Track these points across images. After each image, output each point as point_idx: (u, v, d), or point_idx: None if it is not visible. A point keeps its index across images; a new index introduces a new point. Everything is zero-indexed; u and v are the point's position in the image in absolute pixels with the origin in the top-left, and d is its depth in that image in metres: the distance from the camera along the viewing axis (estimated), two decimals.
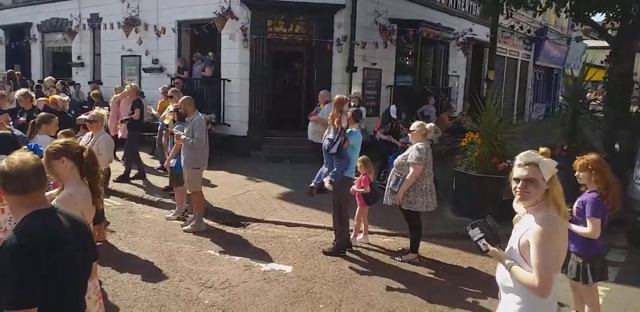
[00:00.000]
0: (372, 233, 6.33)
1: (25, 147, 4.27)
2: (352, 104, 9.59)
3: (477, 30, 15.09)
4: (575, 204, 3.91)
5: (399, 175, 5.47)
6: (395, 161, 5.63)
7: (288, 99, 12.67)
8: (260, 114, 11.30)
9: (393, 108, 9.07)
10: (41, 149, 4.23)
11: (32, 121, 5.16)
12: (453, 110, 13.75)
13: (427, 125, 5.68)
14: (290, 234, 6.36)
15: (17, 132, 4.89)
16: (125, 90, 9.42)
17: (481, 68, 17.10)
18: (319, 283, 4.90)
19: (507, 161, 6.56)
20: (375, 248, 5.95)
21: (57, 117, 5.51)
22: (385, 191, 5.63)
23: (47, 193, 3.88)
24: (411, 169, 5.35)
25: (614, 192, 3.84)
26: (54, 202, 2.76)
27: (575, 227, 3.79)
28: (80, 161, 2.86)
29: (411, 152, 5.44)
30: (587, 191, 3.92)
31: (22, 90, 7.68)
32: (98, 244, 5.62)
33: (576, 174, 3.99)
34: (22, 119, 7.52)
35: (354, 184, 5.79)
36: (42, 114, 5.47)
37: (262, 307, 4.40)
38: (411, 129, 5.66)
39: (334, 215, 5.74)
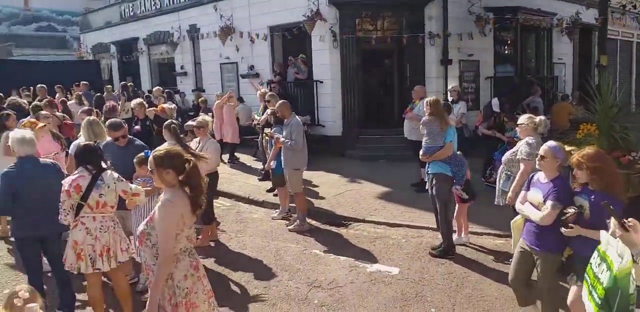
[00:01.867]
0: (482, 234, 6.06)
1: (143, 153, 4.64)
2: (450, 98, 9.31)
3: (583, 12, 13.90)
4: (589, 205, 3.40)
5: (508, 173, 5.17)
6: (504, 158, 5.33)
7: (381, 97, 12.56)
8: (353, 113, 11.31)
9: (495, 101, 8.62)
10: None
11: (157, 129, 5.54)
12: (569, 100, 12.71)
13: (537, 119, 5.31)
14: (393, 234, 6.27)
15: (138, 141, 5.27)
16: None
17: (590, 53, 15.73)
18: (428, 286, 4.77)
19: (631, 154, 5.94)
20: (486, 250, 5.67)
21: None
22: (496, 191, 5.34)
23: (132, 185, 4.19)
24: (521, 166, 5.02)
25: (617, 191, 3.37)
26: (156, 207, 2.94)
27: (588, 231, 3.30)
28: (182, 171, 2.96)
29: (521, 148, 5.10)
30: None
31: (137, 100, 8.31)
32: (211, 243, 6.02)
33: (573, 172, 3.54)
34: (137, 127, 8.14)
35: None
36: (167, 122, 5.84)
37: (372, 309, 4.37)
38: (519, 122, 5.32)
39: (440, 215, 5.57)
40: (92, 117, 5.92)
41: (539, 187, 3.72)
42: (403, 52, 11.42)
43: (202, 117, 6.62)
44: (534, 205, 3.70)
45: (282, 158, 6.62)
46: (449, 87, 10.15)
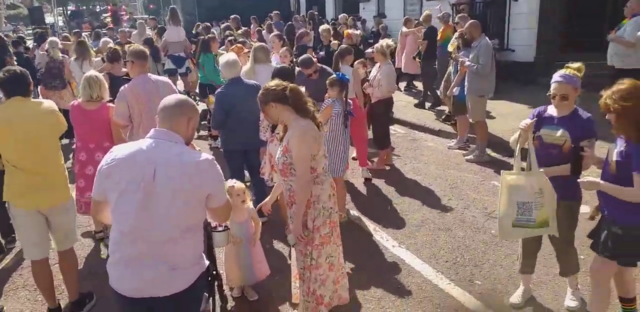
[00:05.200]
0: None
1: (334, 75, 4.78)
2: None
3: None
4: (615, 156, 2.71)
5: None
6: None
7: (588, 17, 10.75)
8: (552, 36, 9.97)
9: None
10: (347, 77, 4.68)
11: (335, 54, 5.70)
12: None
13: None
14: None
15: (326, 69, 5.45)
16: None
17: None
18: None
19: None
20: None
21: (353, 50, 5.94)
22: None
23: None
24: None
25: None
26: (289, 140, 2.95)
27: (614, 188, 2.68)
28: (286, 100, 2.95)
29: None
30: None
31: (324, 26, 8.53)
32: (387, 167, 6.18)
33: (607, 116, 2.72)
34: (321, 53, 8.45)
35: None
36: (343, 46, 5.98)
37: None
38: None
39: None
40: (257, 44, 6.23)
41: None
42: None
43: (385, 41, 6.51)
44: (553, 145, 3.06)
45: (466, 84, 6.26)
46: None
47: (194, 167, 2.19)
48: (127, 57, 4.50)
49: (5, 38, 9.51)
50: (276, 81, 3.09)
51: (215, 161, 2.25)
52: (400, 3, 13.65)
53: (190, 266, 2.27)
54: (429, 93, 9.11)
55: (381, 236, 4.48)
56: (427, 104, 9.00)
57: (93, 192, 2.31)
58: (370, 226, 4.70)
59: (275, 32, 9.71)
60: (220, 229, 3.16)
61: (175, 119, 2.30)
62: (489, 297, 3.52)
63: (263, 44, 6.13)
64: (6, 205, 3.35)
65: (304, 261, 3.09)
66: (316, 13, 13.87)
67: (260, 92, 3.05)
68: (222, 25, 12.82)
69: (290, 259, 3.62)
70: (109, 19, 24.32)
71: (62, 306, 3.49)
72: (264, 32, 11.49)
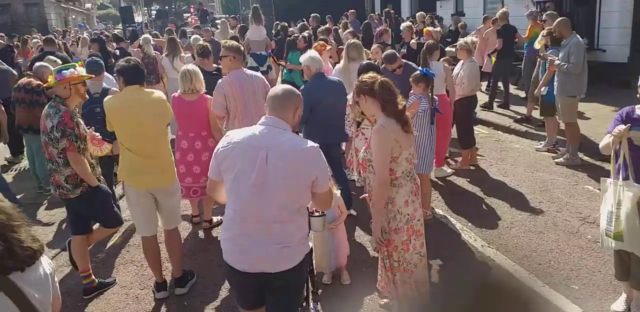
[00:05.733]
0: None
1: (418, 71, 4.77)
2: None
3: None
4: None
5: None
6: None
7: None
8: None
9: None
10: (432, 73, 4.64)
11: (422, 50, 5.65)
12: None
13: None
14: None
15: (411, 65, 5.44)
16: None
17: None
18: None
19: None
20: None
21: (440, 46, 5.87)
22: None
23: None
24: None
25: None
26: (370, 138, 2.94)
27: None
28: (374, 94, 2.92)
29: None
30: None
31: (406, 23, 8.50)
32: (471, 167, 6.05)
33: None
34: (402, 50, 8.42)
35: None
36: (430, 42, 5.93)
37: None
38: None
39: None
40: (351, 41, 6.29)
41: None
42: None
43: (470, 37, 6.40)
44: None
45: (555, 84, 6.02)
46: None
47: (302, 153, 2.30)
48: (225, 52, 4.71)
49: (104, 38, 10.20)
50: (371, 74, 3.10)
51: (320, 149, 2.34)
52: (480, 1, 13.29)
53: (297, 246, 2.39)
54: (497, 91, 8.84)
55: (469, 236, 4.41)
56: (495, 104, 8.72)
57: (210, 172, 2.49)
58: (457, 225, 4.63)
59: (350, 29, 9.75)
60: (317, 214, 3.27)
61: (283, 108, 2.41)
62: (588, 303, 3.38)
63: (356, 40, 6.19)
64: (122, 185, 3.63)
65: (385, 262, 3.12)
66: (392, 11, 13.78)
67: (355, 84, 3.10)
68: (299, 25, 13.10)
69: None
70: (192, 18, 25.45)
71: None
72: (340, 30, 11.58)
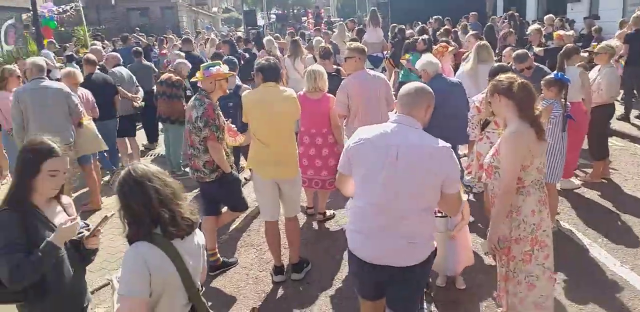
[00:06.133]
0: None
1: (551, 75, 4.51)
2: None
3: None
4: None
5: None
6: None
7: None
8: None
9: None
10: (566, 77, 4.37)
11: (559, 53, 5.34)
12: None
13: None
14: None
15: (543, 68, 5.17)
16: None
17: None
18: None
19: None
20: None
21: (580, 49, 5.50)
22: None
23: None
24: None
25: None
26: (500, 143, 2.78)
27: None
28: (511, 95, 2.75)
29: None
30: None
31: (534, 26, 8.10)
32: (603, 180, 5.57)
33: None
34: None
35: None
36: (569, 45, 5.58)
37: None
38: None
39: None
40: (481, 42, 6.09)
41: None
42: None
43: (612, 41, 5.90)
44: None
45: None
46: None
47: (434, 152, 2.31)
48: (350, 53, 4.80)
49: (234, 40, 10.92)
50: (509, 74, 2.99)
51: (452, 149, 2.33)
52: (619, 3, 12.19)
53: (424, 243, 2.42)
54: (632, 101, 8.03)
55: (598, 252, 4.08)
56: (632, 115, 7.92)
57: (340, 165, 2.58)
58: (584, 240, 4.31)
59: (473, 31, 9.46)
60: (440, 214, 3.25)
61: (416, 106, 2.44)
62: None
63: (485, 42, 6.03)
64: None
65: (501, 271, 3.00)
66: (517, 14, 13.11)
67: (490, 82, 3.02)
68: (417, 27, 12.96)
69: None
70: (309, 22, 26.39)
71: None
72: (459, 32, 11.28)
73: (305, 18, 31.19)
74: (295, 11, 41.35)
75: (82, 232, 2.30)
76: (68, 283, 2.25)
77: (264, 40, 10.28)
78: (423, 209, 2.38)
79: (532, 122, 2.76)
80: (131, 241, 1.96)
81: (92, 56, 6.64)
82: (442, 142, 2.35)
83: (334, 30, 13.93)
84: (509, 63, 5.48)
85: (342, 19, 26.80)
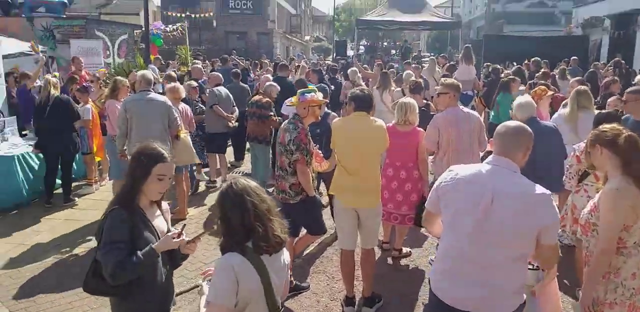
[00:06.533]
0: None
1: None
2: None
3: None
4: None
5: None
6: None
7: None
8: None
9: None
10: None
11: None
12: None
13: None
14: None
15: None
16: None
17: None
18: None
19: None
20: None
21: None
22: None
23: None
24: None
25: None
26: (600, 199, 2.57)
27: None
28: (616, 148, 2.56)
29: None
30: None
31: None
32: None
33: None
34: None
35: None
36: None
37: None
38: None
39: None
40: (582, 87, 5.82)
41: None
42: None
43: None
44: None
45: None
46: None
47: (533, 198, 2.19)
48: (444, 89, 4.76)
49: (322, 70, 11.29)
50: (614, 125, 2.83)
51: (552, 197, 2.20)
52: None
53: (512, 294, 2.29)
54: None
55: None
56: None
57: (428, 203, 2.52)
58: None
59: (577, 77, 9.08)
60: (530, 266, 3.05)
61: (514, 147, 2.34)
62: None
63: (586, 88, 5.78)
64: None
65: None
66: (623, 61, 12.43)
67: (592, 132, 2.86)
68: (513, 68, 12.64)
69: None
70: (398, 55, 26.71)
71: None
72: (557, 76, 10.87)
73: (394, 51, 31.60)
74: (385, 44, 41.98)
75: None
76: (159, 285, 2.37)
77: (349, 71, 10.51)
78: (515, 259, 2.25)
79: (636, 179, 2.58)
80: (224, 251, 2.03)
81: (172, 74, 7.56)
82: (542, 189, 2.24)
83: (423, 65, 13.95)
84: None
85: (432, 53, 26.82)
